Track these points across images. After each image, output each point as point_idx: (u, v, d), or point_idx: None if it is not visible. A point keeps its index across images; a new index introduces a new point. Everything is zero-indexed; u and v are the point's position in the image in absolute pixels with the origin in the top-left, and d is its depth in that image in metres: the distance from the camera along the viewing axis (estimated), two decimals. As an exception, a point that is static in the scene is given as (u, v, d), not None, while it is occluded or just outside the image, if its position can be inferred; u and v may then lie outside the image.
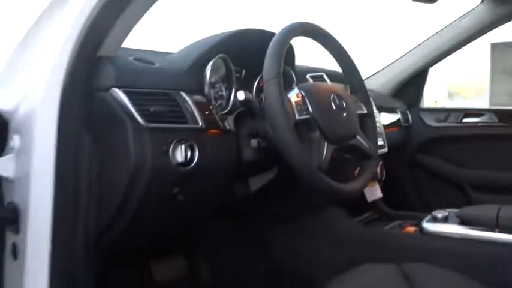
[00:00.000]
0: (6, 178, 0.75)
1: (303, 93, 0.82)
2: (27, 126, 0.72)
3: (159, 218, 0.86)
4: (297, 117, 0.79)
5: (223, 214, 1.15)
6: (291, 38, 0.84)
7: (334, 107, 0.85)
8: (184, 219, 0.93)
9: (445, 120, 1.84)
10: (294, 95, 0.82)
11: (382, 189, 1.41)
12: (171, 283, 1.23)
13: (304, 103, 0.81)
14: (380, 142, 1.29)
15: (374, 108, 1.39)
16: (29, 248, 0.72)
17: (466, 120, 1.80)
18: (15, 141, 0.73)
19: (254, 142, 0.87)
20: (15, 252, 0.75)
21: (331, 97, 0.85)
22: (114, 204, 0.77)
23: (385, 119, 1.69)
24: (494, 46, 1.96)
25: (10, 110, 0.74)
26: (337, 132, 0.85)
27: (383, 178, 1.34)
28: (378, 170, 1.31)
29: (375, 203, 1.37)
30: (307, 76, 1.15)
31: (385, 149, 1.34)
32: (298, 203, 1.20)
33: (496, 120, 1.74)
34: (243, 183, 1.01)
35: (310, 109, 0.81)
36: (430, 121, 1.87)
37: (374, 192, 1.27)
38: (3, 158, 0.74)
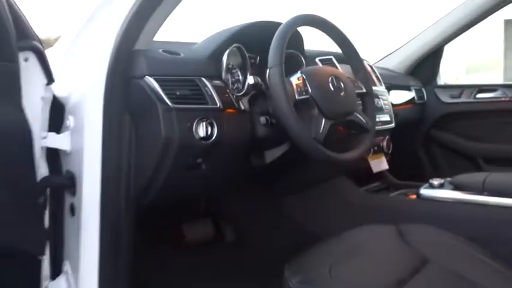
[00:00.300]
0: (64, 151, 0.92)
1: (304, 77, 0.95)
2: (79, 109, 0.88)
3: (186, 183, 1.01)
4: (297, 97, 0.92)
5: (244, 183, 1.30)
6: (293, 29, 0.96)
7: (332, 88, 0.97)
8: (208, 185, 1.09)
9: (459, 97, 1.90)
10: (295, 78, 0.95)
11: (390, 162, 1.52)
12: (200, 243, 1.41)
13: (305, 85, 0.94)
14: (386, 118, 1.40)
15: (382, 87, 1.49)
16: (83, 206, 0.89)
17: (479, 96, 1.86)
18: (70, 121, 0.90)
19: (263, 119, 1.00)
20: (73, 210, 0.92)
21: (330, 79, 0.97)
22: (149, 171, 0.92)
23: (398, 96, 1.78)
24: (508, 22, 1.97)
25: (66, 95, 0.91)
26: (334, 110, 0.97)
27: (390, 151, 1.44)
28: (385, 143, 1.42)
29: (383, 174, 1.49)
30: (317, 59, 1.26)
31: (392, 125, 1.44)
32: (309, 173, 1.33)
33: (509, 95, 1.79)
34: (259, 155, 1.15)
35: (310, 90, 0.94)
36: (445, 97, 1.94)
37: (380, 164, 1.38)
38: (61, 134, 0.91)
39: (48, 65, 0.81)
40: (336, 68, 1.27)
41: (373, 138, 1.07)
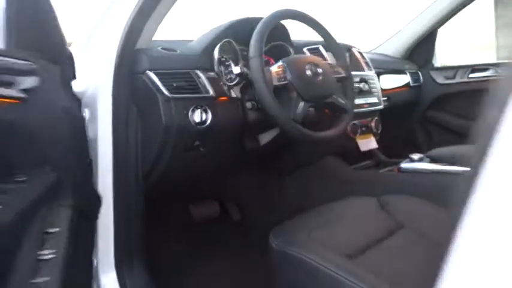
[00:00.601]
0: (82, 139, 1.07)
1: (285, 65, 1.07)
2: (93, 102, 1.02)
3: (187, 164, 1.15)
4: (276, 83, 1.04)
5: (242, 166, 1.43)
6: (271, 24, 1.07)
7: (309, 74, 1.08)
8: (207, 166, 1.22)
9: (453, 77, 1.98)
10: (275, 67, 1.07)
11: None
12: (207, 221, 1.55)
13: (284, 72, 1.06)
14: (374, 100, 1.50)
15: (371, 71, 1.59)
16: (99, 186, 1.02)
17: (472, 75, 1.93)
18: (86, 113, 1.04)
19: (249, 104, 1.12)
20: None
21: (307, 66, 1.09)
22: (154, 154, 1.06)
23: (393, 80, 1.87)
24: (498, 1, 2.00)
25: (82, 91, 1.04)
26: (312, 93, 1.08)
27: (379, 131, 1.55)
28: (373, 124, 1.52)
29: (374, 153, 1.59)
30: (304, 49, 1.38)
31: (380, 107, 1.54)
32: (302, 154, 1.45)
33: (501, 73, 1.85)
34: (253, 138, 1.27)
35: (289, 76, 1.06)
36: (440, 79, 2.01)
37: (368, 144, 1.48)
38: (79, 125, 1.06)
39: (74, 65, 0.96)
40: (323, 56, 1.38)
41: (351, 119, 1.18)
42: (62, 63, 0.81)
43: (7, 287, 0.64)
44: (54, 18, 0.77)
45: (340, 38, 1.69)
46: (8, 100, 0.63)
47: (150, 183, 1.13)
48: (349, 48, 1.56)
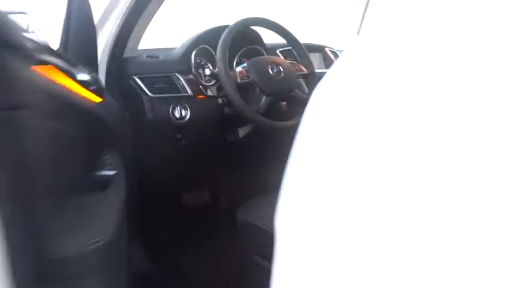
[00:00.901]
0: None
1: (248, 66, 1.24)
2: None
3: (173, 155, 1.32)
4: (239, 81, 1.21)
5: (228, 157, 1.59)
6: (235, 31, 1.23)
7: (271, 72, 1.25)
8: (191, 157, 1.39)
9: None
10: (240, 67, 1.24)
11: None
12: (199, 209, 1.71)
13: (247, 71, 1.23)
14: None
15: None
16: None
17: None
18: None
19: (220, 100, 1.29)
20: None
21: (270, 66, 1.25)
22: (143, 144, 1.24)
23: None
24: None
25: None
26: (274, 88, 1.25)
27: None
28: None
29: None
30: (277, 51, 1.54)
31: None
32: (279, 144, 1.60)
33: None
34: (233, 132, 1.44)
35: (252, 75, 1.23)
36: None
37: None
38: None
39: None
40: (295, 56, 1.53)
41: None
42: (97, 72, 1.02)
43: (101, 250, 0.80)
44: (95, 36, 0.97)
45: (328, 39, 1.85)
46: (98, 99, 0.83)
47: (142, 173, 1.30)
48: (322, 48, 1.71)
